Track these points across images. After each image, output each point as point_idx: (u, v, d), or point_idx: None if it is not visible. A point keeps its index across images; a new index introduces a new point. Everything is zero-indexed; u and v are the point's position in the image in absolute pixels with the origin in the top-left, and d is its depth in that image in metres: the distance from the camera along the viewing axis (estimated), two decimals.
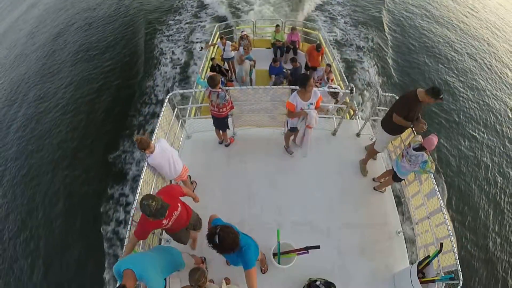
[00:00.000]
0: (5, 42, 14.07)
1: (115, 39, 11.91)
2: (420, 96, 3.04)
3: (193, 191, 3.88)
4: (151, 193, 3.14)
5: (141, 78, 9.77)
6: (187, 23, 12.45)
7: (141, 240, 2.84)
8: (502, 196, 6.80)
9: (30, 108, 9.54)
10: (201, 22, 12.43)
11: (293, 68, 6.82)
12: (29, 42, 13.18)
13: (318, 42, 7.43)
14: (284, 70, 7.15)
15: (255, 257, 2.17)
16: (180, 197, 2.70)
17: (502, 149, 7.83)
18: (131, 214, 2.75)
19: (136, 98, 8.97)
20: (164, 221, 2.46)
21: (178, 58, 10.48)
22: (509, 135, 8.23)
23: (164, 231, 3.48)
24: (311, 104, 3.48)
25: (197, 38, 11.44)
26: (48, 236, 6.30)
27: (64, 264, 5.86)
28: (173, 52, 10.77)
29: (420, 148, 2.99)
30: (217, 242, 1.90)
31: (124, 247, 2.57)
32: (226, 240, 1.92)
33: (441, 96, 2.91)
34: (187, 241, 3.21)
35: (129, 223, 2.71)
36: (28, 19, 15.35)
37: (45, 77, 10.73)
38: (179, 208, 2.59)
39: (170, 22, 12.56)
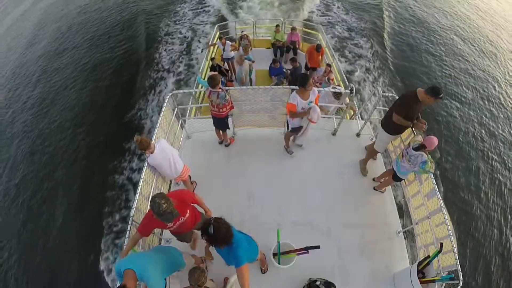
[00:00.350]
0: (15, 32, 14.23)
1: (126, 23, 12.64)
2: (420, 95, 3.04)
3: (193, 191, 3.88)
4: (151, 193, 3.14)
5: (149, 52, 10.74)
6: (190, 9, 13.19)
7: (141, 240, 2.84)
8: (490, 153, 7.52)
9: (45, 87, 9.96)
10: (206, 7, 13.21)
11: (293, 68, 6.82)
12: (40, 31, 13.43)
13: (318, 42, 7.43)
14: (284, 70, 7.15)
15: (246, 255, 2.16)
16: (191, 204, 2.64)
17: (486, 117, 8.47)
18: (131, 214, 2.75)
19: (145, 67, 10.02)
20: (169, 224, 2.46)
21: (185, 37, 11.49)
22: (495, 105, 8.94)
23: (164, 231, 3.50)
24: (311, 102, 3.49)
25: (202, 21, 12.30)
26: (64, 196, 6.69)
27: (79, 219, 6.25)
28: (180, 32, 11.80)
29: (420, 147, 2.99)
30: (211, 232, 1.92)
31: (125, 246, 2.57)
32: (220, 231, 1.94)
33: (441, 95, 2.91)
34: (190, 240, 3.22)
35: (129, 223, 2.71)
36: (36, 11, 15.56)
37: (60, 59, 11.16)
38: (187, 215, 2.56)
39: (177, 9, 13.31)
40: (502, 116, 8.55)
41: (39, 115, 8.89)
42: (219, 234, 1.94)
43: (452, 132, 7.96)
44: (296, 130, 3.92)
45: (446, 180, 6.81)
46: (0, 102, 9.76)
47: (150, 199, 2.19)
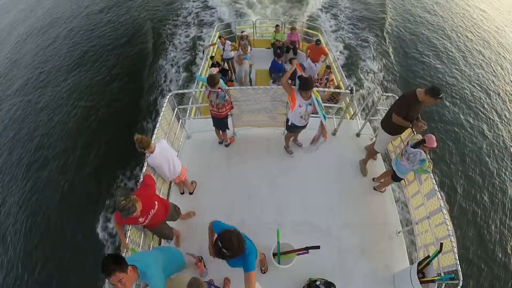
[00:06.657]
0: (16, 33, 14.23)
1: (135, 17, 13.06)
2: (420, 96, 3.04)
3: (193, 191, 3.89)
4: None
5: (157, 42, 11.38)
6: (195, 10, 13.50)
7: (141, 240, 2.84)
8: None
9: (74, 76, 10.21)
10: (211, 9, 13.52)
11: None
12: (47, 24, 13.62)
13: (318, 39, 7.39)
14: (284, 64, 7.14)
15: (255, 260, 2.16)
16: (156, 193, 2.68)
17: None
18: None
19: (149, 70, 10.32)
20: (140, 219, 2.47)
21: (188, 39, 11.74)
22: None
23: None
24: (310, 104, 3.42)
25: (207, 20, 12.64)
26: (62, 196, 6.76)
27: (78, 220, 6.29)
28: (185, 35, 12.04)
29: (418, 143, 2.99)
30: (226, 252, 1.92)
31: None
32: (234, 245, 1.92)
33: (441, 95, 2.91)
34: (172, 235, 3.21)
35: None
36: (45, 5, 15.68)
37: (75, 51, 11.45)
38: (156, 206, 2.59)
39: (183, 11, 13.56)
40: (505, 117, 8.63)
41: (59, 94, 9.25)
42: (234, 249, 1.92)
43: (452, 132, 7.97)
44: (293, 130, 3.90)
45: (445, 180, 6.82)
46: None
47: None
